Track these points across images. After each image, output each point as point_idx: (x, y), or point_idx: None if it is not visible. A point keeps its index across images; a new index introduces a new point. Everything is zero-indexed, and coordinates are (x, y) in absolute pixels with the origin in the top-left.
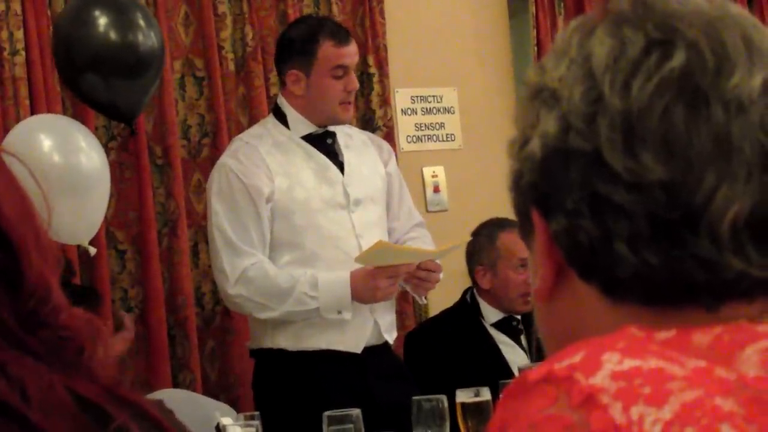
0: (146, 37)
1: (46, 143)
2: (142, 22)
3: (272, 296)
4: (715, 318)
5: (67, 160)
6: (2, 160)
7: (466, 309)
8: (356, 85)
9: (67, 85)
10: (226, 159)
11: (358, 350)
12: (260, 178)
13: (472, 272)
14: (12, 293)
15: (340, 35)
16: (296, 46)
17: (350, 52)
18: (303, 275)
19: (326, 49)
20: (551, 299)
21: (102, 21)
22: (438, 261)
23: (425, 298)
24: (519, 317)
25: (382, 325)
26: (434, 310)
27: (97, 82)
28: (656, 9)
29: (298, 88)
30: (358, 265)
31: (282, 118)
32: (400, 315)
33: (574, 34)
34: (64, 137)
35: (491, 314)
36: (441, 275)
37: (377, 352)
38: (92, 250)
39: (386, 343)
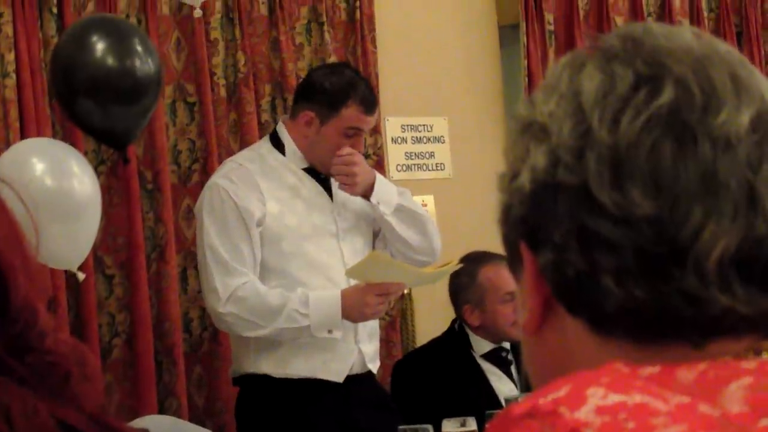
0: (143, 63)
1: (39, 167)
2: (139, 48)
3: (263, 314)
4: (700, 354)
5: (59, 185)
6: None
7: (454, 339)
8: (362, 148)
9: (63, 109)
10: (218, 179)
11: (340, 379)
12: (252, 202)
13: (459, 311)
14: None
15: (369, 103)
16: (325, 95)
17: (371, 121)
18: (294, 293)
19: (352, 111)
20: (539, 332)
21: (100, 46)
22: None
23: (411, 322)
24: (508, 348)
25: (366, 354)
26: (423, 339)
27: (93, 107)
28: (645, 45)
29: (308, 130)
30: None
31: (278, 145)
32: (387, 344)
33: (564, 70)
34: (56, 161)
35: (481, 345)
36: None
37: (361, 381)
38: (81, 276)
39: (370, 372)
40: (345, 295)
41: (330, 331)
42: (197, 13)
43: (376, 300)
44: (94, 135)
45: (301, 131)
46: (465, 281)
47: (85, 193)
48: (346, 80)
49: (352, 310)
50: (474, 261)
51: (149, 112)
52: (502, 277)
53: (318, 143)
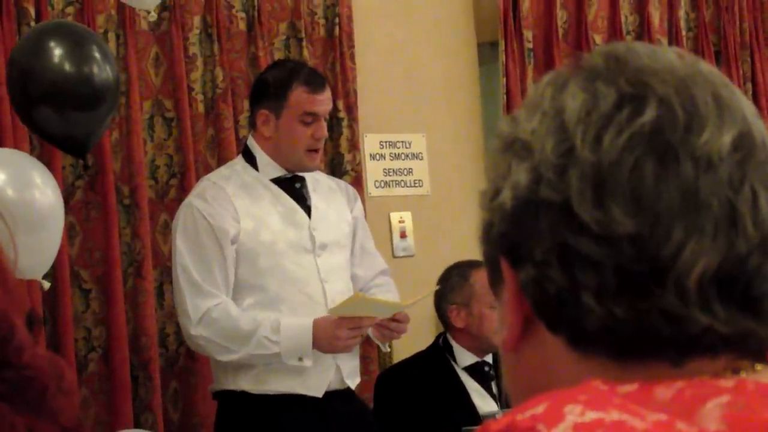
0: (101, 70)
1: (0, 177)
2: (97, 55)
3: (234, 339)
4: (678, 373)
5: (21, 196)
6: None
7: (437, 353)
8: (324, 133)
9: (21, 116)
10: (192, 199)
11: (319, 394)
12: (226, 220)
13: (444, 312)
14: None
15: (314, 83)
16: (270, 88)
17: (322, 100)
18: (266, 319)
19: (298, 94)
20: (518, 349)
21: (57, 52)
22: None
23: (389, 346)
24: (491, 362)
25: (344, 370)
26: (400, 356)
27: (51, 113)
28: (629, 64)
29: (267, 129)
30: (321, 311)
31: (251, 160)
32: (364, 360)
33: (547, 88)
34: (18, 172)
35: (464, 357)
36: (407, 326)
37: (339, 397)
38: (45, 285)
39: (348, 388)
40: (317, 325)
41: (300, 359)
42: (152, 17)
43: (348, 334)
44: (52, 142)
45: (263, 135)
46: (455, 281)
47: (48, 203)
48: (287, 68)
49: (323, 341)
50: (466, 264)
51: (107, 118)
52: None
53: (281, 140)
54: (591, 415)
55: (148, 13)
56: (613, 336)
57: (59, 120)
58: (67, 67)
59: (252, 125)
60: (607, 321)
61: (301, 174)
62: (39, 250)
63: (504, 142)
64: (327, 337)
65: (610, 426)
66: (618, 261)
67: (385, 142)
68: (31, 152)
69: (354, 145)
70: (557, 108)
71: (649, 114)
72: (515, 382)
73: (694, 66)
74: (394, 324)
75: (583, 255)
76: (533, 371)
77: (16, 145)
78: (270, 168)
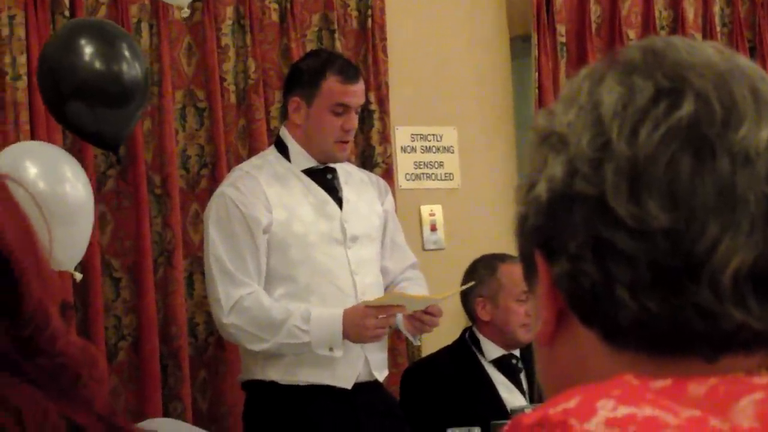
0: (131, 68)
1: (32, 170)
2: (127, 53)
3: (265, 327)
4: (712, 369)
5: (52, 189)
6: (6, 186)
7: (464, 347)
8: (354, 125)
9: (52, 112)
10: (225, 188)
11: (348, 386)
12: (258, 209)
13: (470, 305)
14: (10, 319)
15: (348, 73)
16: (303, 75)
17: (354, 92)
18: (297, 309)
19: (331, 83)
20: (552, 343)
21: (88, 50)
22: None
23: (419, 339)
24: (518, 355)
25: (372, 362)
26: (427, 350)
27: (82, 110)
28: (666, 58)
29: (298, 117)
30: (351, 304)
31: (283, 150)
32: (392, 353)
33: (584, 82)
34: (50, 165)
35: (492, 350)
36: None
37: (367, 389)
38: (77, 276)
39: (376, 380)
40: (346, 315)
41: (331, 349)
42: (185, 12)
43: (376, 323)
44: (84, 137)
45: (294, 122)
46: (482, 274)
47: (78, 196)
48: (322, 57)
49: (351, 330)
50: (494, 257)
51: (137, 115)
52: (519, 275)
53: (310, 128)
54: (623, 410)
55: (181, 9)
56: (647, 331)
57: (90, 116)
58: (97, 64)
59: (284, 114)
60: (641, 315)
61: (332, 165)
62: (70, 243)
63: (540, 135)
64: (355, 327)
65: (643, 421)
66: (652, 256)
67: (416, 134)
68: (64, 141)
69: (385, 138)
70: (594, 102)
71: (686, 108)
72: (548, 375)
73: (732, 60)
74: (427, 317)
75: (617, 249)
76: (566, 365)
77: (50, 134)
78: (301, 158)
